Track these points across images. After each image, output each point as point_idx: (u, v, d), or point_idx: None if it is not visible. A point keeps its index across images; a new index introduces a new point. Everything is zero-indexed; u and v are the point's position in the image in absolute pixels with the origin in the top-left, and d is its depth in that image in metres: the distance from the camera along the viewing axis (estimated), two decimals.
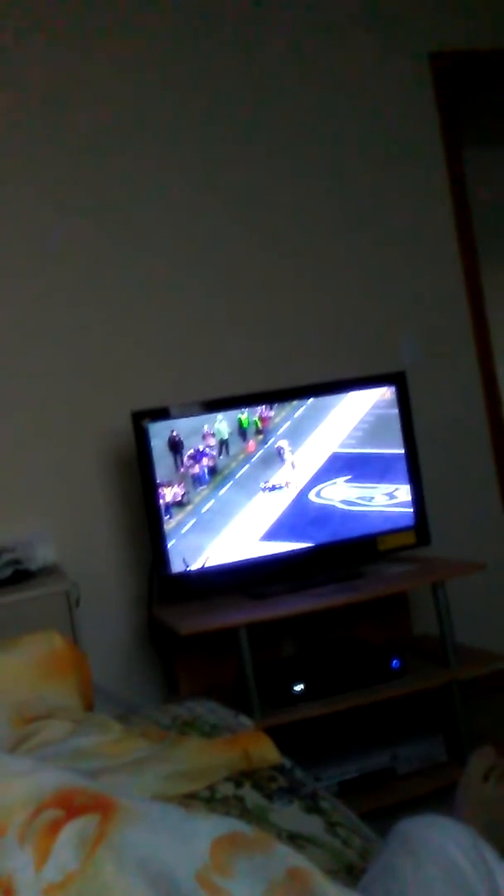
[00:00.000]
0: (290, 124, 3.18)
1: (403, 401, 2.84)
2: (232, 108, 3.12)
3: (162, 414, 2.64)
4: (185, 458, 2.65)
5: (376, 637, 2.85)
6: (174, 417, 2.64)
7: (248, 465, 2.70)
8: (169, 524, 2.63)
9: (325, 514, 2.77)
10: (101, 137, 2.98)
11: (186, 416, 2.65)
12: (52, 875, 0.81)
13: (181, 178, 3.05)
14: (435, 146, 3.34)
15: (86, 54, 2.97)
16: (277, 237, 3.14)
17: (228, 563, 2.67)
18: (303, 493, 2.76)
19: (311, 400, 2.77)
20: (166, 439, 2.63)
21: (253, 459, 2.71)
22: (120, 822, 0.84)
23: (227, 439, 2.69)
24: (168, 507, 2.63)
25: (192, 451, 2.65)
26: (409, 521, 2.84)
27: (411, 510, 2.84)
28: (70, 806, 0.87)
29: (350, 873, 1.12)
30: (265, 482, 2.71)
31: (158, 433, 2.62)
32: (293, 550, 2.73)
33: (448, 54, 3.37)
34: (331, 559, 2.76)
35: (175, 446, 2.64)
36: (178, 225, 3.04)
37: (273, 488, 2.71)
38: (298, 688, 2.49)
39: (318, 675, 2.55)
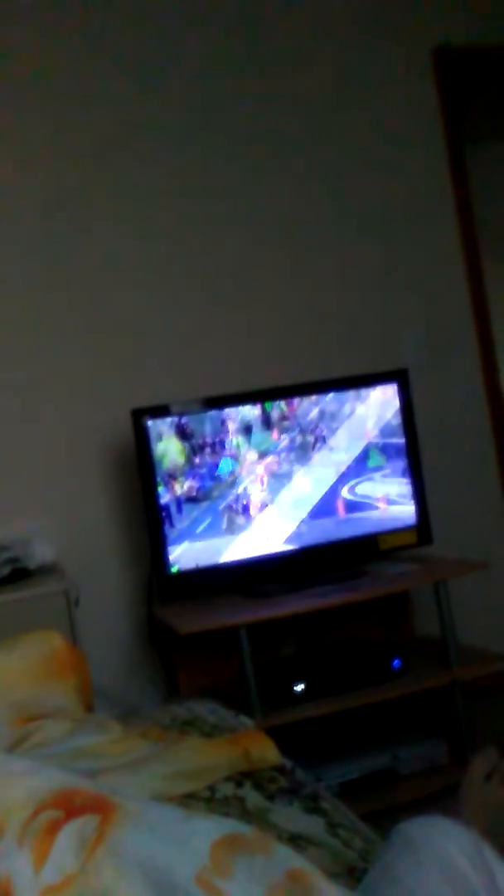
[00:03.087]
0: (291, 121, 3.17)
1: (406, 398, 2.84)
2: (231, 104, 3.11)
3: (162, 411, 2.63)
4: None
5: (377, 637, 2.85)
6: (174, 415, 2.63)
7: (272, 456, 2.65)
8: (183, 522, 2.61)
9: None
10: (101, 137, 2.97)
11: (187, 414, 2.64)
12: (51, 876, 0.80)
13: (182, 174, 3.04)
14: (437, 142, 3.32)
15: (82, 54, 2.96)
16: (278, 234, 3.13)
17: (228, 563, 2.66)
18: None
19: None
20: (179, 428, 2.60)
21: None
22: (119, 823, 0.84)
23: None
24: (179, 502, 2.62)
25: (207, 439, 2.60)
26: (411, 521, 2.83)
27: (413, 509, 2.83)
28: (69, 806, 0.86)
29: (351, 875, 1.11)
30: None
31: (172, 422, 2.60)
32: (294, 549, 2.72)
33: (452, 49, 3.34)
34: (332, 559, 2.75)
35: (187, 436, 2.60)
36: (181, 223, 3.03)
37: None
38: (299, 688, 2.48)
39: (319, 675, 2.54)
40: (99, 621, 2.73)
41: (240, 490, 2.66)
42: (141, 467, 2.62)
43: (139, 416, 2.60)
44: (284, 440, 2.70)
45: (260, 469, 2.69)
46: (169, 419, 2.62)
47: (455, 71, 3.37)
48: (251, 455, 2.67)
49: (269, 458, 2.68)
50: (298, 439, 2.72)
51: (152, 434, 2.60)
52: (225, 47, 3.11)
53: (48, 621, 2.16)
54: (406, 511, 2.83)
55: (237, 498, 2.66)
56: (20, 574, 2.52)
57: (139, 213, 2.99)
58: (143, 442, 2.60)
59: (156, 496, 2.60)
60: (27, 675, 1.74)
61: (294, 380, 2.83)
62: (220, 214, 3.08)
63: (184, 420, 2.62)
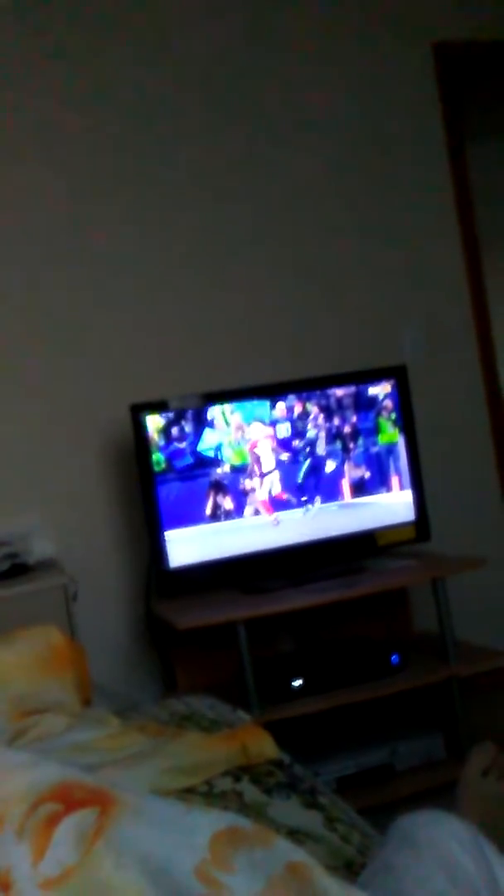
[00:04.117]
0: (290, 116, 3.16)
1: (404, 395, 2.84)
2: (231, 97, 3.10)
3: (161, 407, 2.63)
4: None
5: (376, 633, 2.85)
6: (173, 410, 2.63)
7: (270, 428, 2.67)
8: (177, 510, 2.60)
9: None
10: (100, 136, 2.96)
11: (185, 409, 2.64)
12: (49, 869, 0.80)
13: (181, 171, 3.04)
14: (438, 137, 3.32)
15: (84, 48, 2.96)
16: (277, 230, 3.13)
17: (227, 558, 2.66)
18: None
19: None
20: (180, 422, 2.61)
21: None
22: (119, 816, 0.84)
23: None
24: (172, 483, 2.61)
25: (194, 420, 2.62)
26: (410, 516, 2.83)
27: (411, 505, 2.83)
28: (69, 799, 0.86)
29: (349, 869, 1.11)
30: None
31: (168, 415, 2.61)
32: (292, 545, 2.72)
33: (452, 44, 3.34)
34: (330, 554, 2.75)
35: (179, 421, 2.62)
36: (178, 218, 3.03)
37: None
38: (297, 683, 2.49)
39: (317, 671, 2.54)
40: (97, 616, 2.74)
41: (227, 470, 2.66)
42: (140, 462, 2.61)
43: (138, 412, 2.60)
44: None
45: (261, 449, 2.68)
46: (167, 414, 2.62)
47: (456, 66, 3.36)
48: (250, 432, 2.67)
49: (269, 431, 2.68)
50: (297, 409, 2.71)
51: (151, 429, 2.60)
52: (224, 42, 3.10)
53: (47, 616, 2.16)
54: (405, 506, 2.83)
55: (233, 481, 2.66)
56: (19, 569, 2.52)
57: (139, 210, 2.99)
58: (141, 437, 2.60)
59: (155, 491, 2.59)
60: (25, 670, 1.74)
61: (295, 375, 2.83)
62: (219, 211, 3.07)
63: (183, 414, 2.63)
